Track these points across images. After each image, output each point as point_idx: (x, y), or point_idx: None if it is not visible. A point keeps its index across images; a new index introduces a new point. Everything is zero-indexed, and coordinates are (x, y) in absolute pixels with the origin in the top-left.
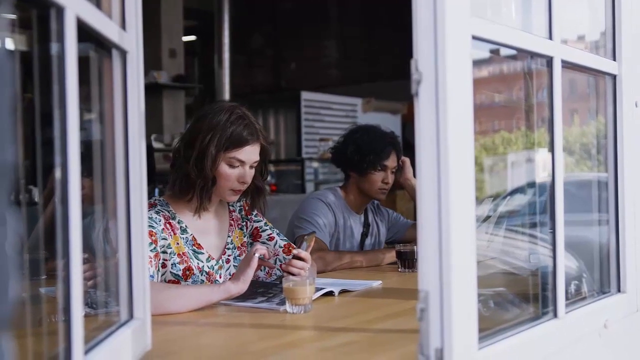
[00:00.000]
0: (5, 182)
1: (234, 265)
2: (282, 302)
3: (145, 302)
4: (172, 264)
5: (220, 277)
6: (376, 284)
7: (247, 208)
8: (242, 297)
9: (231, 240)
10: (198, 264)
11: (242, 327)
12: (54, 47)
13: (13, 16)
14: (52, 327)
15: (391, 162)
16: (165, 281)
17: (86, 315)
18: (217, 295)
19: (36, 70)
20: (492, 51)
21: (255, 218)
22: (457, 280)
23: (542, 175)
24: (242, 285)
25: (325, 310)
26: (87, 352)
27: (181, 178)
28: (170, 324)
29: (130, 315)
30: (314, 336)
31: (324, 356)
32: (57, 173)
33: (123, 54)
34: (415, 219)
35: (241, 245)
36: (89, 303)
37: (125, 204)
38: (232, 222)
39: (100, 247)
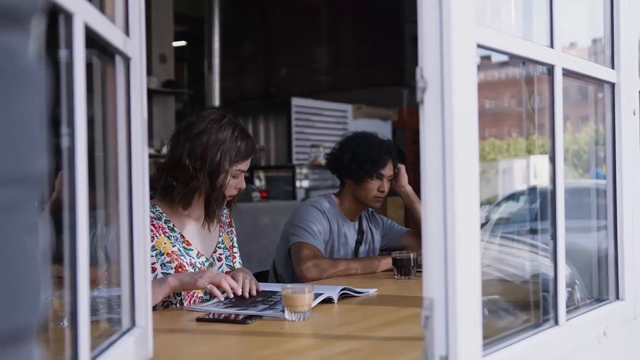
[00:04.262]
0: (37, 190)
1: (226, 264)
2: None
3: (147, 309)
4: (161, 264)
5: None
6: (372, 291)
7: (230, 219)
8: (244, 306)
9: (222, 240)
10: (190, 260)
11: (243, 334)
12: (62, 53)
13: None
14: (51, 334)
15: (388, 170)
16: None
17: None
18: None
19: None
20: (482, 57)
21: (234, 231)
22: (462, 288)
23: (535, 183)
24: (177, 282)
25: (324, 318)
26: None
27: (190, 192)
28: (171, 332)
29: (133, 323)
30: (314, 344)
31: None
32: (64, 178)
33: (127, 60)
34: (406, 225)
35: (229, 247)
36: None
37: (128, 211)
38: (221, 224)
39: (98, 254)
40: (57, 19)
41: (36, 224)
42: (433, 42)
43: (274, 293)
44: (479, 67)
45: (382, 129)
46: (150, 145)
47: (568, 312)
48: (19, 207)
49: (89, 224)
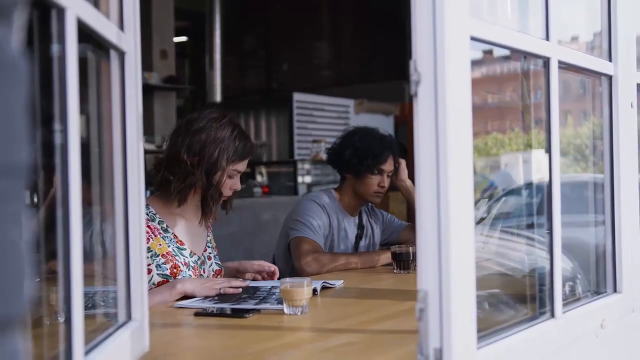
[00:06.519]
0: (21, 181)
1: (215, 263)
2: (280, 302)
3: (143, 303)
4: (157, 266)
5: (204, 272)
6: (339, 283)
7: (211, 220)
8: (230, 302)
9: (210, 240)
10: (184, 259)
11: (240, 328)
12: (54, 48)
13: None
14: (45, 329)
15: (388, 166)
16: (154, 285)
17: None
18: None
19: (35, 71)
20: (484, 52)
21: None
22: (456, 280)
23: (535, 177)
24: (189, 287)
25: (322, 312)
26: (86, 353)
27: (186, 188)
28: (167, 325)
29: (129, 317)
30: (312, 337)
31: (323, 357)
32: (57, 174)
33: (121, 55)
34: (408, 220)
35: (214, 247)
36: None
37: (123, 206)
38: (209, 224)
39: (97, 250)
40: (49, 13)
41: (21, 215)
42: (426, 35)
43: (257, 289)
44: (481, 62)
45: (384, 124)
46: (151, 141)
47: (565, 304)
48: (4, 198)
49: (86, 221)
